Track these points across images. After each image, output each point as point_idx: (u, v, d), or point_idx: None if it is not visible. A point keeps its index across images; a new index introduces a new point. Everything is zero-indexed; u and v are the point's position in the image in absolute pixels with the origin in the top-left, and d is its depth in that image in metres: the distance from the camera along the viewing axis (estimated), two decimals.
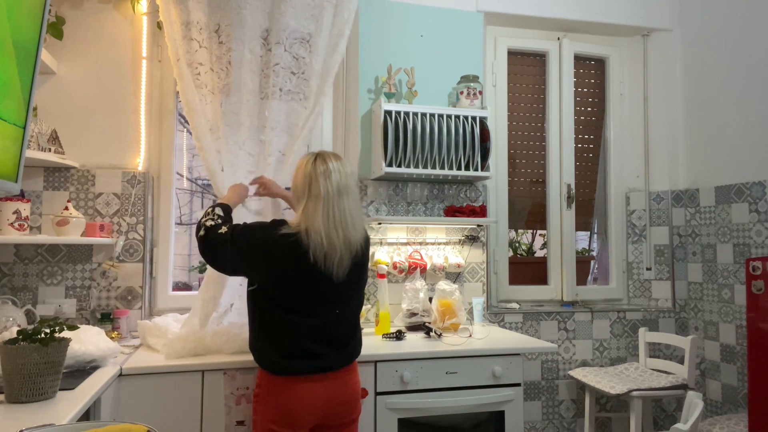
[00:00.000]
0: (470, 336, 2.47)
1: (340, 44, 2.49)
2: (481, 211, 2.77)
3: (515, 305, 3.02)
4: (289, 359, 1.74)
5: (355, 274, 1.83)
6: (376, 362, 2.14)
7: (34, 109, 2.22)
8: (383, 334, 2.45)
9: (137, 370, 1.90)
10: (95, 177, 2.48)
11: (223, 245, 1.78)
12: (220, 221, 1.86)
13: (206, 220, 1.86)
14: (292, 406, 1.72)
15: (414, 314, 2.64)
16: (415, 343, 2.34)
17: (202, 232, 1.83)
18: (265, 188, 2.22)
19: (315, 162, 1.80)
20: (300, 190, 1.80)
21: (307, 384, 1.74)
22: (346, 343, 1.84)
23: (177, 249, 4.41)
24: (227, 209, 1.97)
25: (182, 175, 5.94)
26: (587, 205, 3.32)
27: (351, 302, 1.87)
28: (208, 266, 2.27)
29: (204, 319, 2.16)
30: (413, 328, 2.63)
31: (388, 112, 2.57)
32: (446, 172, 2.63)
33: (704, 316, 3.06)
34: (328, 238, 1.72)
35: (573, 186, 3.21)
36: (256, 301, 1.80)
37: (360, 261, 1.84)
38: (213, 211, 1.90)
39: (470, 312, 2.85)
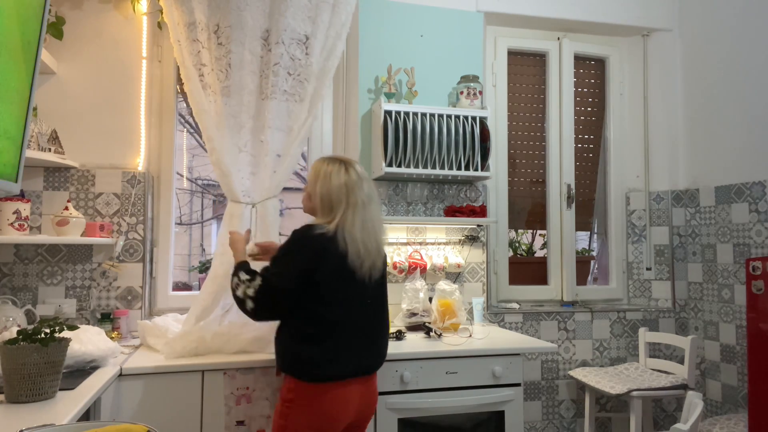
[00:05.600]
0: (470, 336, 2.47)
1: (337, 46, 2.48)
2: (481, 211, 2.77)
3: (515, 305, 3.02)
4: (330, 363, 1.74)
5: (384, 276, 1.95)
6: None
7: (34, 109, 2.22)
8: None
9: (137, 370, 1.90)
10: (95, 177, 2.48)
11: (267, 292, 1.77)
12: (249, 280, 1.80)
13: (242, 291, 1.79)
14: (331, 411, 1.73)
15: (414, 314, 2.64)
16: (415, 343, 2.34)
17: (250, 305, 1.77)
18: (263, 252, 2.07)
19: (348, 171, 1.85)
20: (335, 199, 1.82)
21: (344, 388, 1.76)
22: (381, 345, 1.90)
23: (177, 249, 4.43)
24: (246, 266, 1.89)
25: (182, 175, 5.95)
26: (587, 205, 3.32)
27: (384, 303, 1.94)
28: (211, 265, 2.29)
29: (202, 312, 2.16)
30: (413, 328, 2.63)
31: (388, 112, 2.57)
32: (446, 172, 2.63)
33: (704, 316, 3.06)
34: (365, 245, 1.80)
35: (573, 186, 3.21)
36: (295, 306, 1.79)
37: (385, 262, 1.98)
38: (240, 278, 1.82)
39: (470, 312, 2.85)
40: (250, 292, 1.77)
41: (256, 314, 1.80)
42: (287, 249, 1.81)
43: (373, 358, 1.85)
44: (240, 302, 1.80)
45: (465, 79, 2.79)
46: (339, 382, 1.75)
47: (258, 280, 1.77)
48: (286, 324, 1.82)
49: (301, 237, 1.80)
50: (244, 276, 1.81)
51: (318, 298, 1.76)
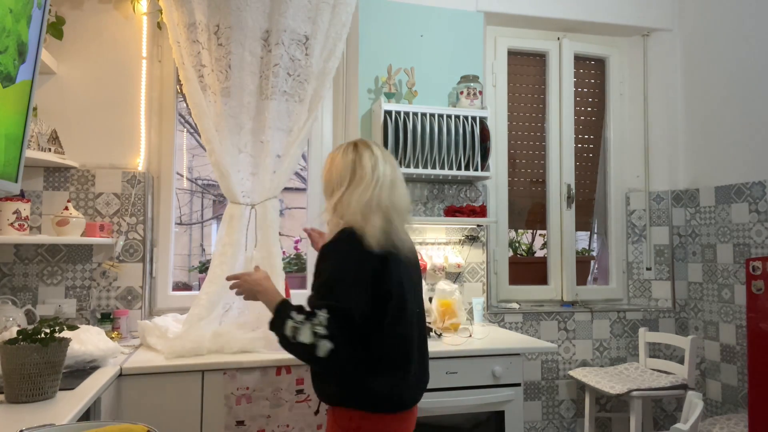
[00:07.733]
0: (470, 336, 2.47)
1: (337, 47, 2.48)
2: (481, 211, 2.77)
3: (515, 305, 3.02)
4: (406, 389, 1.50)
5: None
6: None
7: (34, 109, 2.22)
8: None
9: (137, 370, 1.90)
10: (95, 177, 2.48)
11: (340, 322, 1.40)
12: (307, 318, 1.41)
13: (308, 335, 1.37)
14: None
15: None
16: None
17: (327, 346, 1.37)
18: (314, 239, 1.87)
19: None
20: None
21: (409, 418, 1.53)
22: (427, 363, 1.65)
23: (177, 249, 4.43)
24: (290, 304, 1.50)
25: (182, 175, 5.95)
26: (587, 205, 3.32)
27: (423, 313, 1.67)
28: (210, 266, 2.29)
29: (202, 312, 2.16)
30: None
31: (388, 112, 2.58)
32: (446, 172, 2.63)
33: (704, 316, 3.06)
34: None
35: (573, 186, 3.21)
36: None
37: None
38: (295, 319, 1.41)
39: (470, 312, 2.85)
40: (321, 330, 1.37)
41: (338, 355, 1.38)
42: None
43: (426, 376, 1.63)
44: (307, 351, 1.38)
45: (465, 79, 2.79)
46: (404, 412, 1.51)
47: (323, 313, 1.39)
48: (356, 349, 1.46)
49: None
50: (298, 316, 1.41)
51: (399, 307, 1.50)
